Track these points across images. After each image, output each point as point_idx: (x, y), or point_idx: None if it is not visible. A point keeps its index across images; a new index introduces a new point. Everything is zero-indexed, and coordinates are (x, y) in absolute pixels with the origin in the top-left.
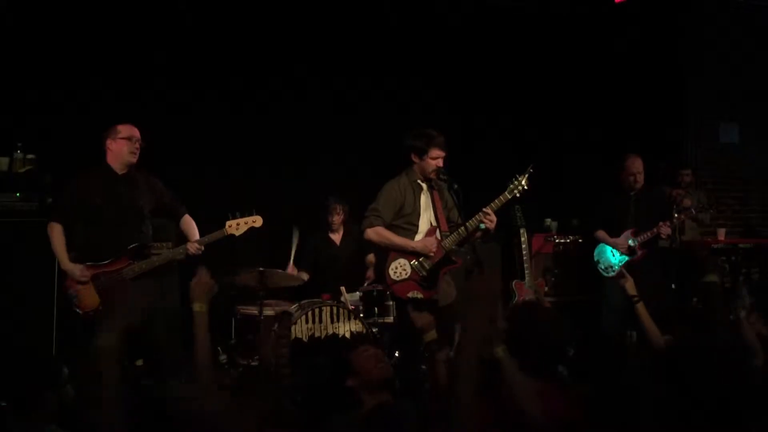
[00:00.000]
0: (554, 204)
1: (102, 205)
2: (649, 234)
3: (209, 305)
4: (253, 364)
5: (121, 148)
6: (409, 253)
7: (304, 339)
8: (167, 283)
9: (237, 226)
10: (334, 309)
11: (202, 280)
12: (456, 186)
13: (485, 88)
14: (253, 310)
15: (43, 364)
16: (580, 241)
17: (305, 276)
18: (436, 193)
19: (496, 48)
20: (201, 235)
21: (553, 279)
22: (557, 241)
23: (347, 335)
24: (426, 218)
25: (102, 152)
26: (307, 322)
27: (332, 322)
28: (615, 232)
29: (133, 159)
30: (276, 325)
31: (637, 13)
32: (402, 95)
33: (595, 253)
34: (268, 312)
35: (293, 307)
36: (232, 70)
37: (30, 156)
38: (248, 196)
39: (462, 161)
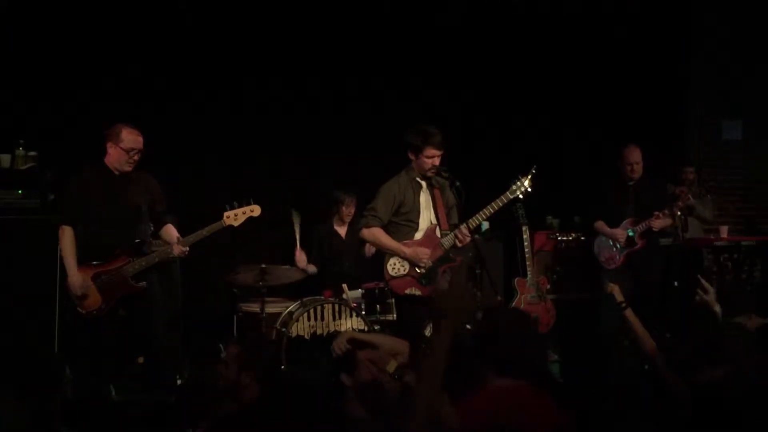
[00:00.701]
0: (556, 201)
1: (100, 204)
2: (646, 224)
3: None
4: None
5: (119, 157)
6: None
7: (306, 336)
8: (169, 283)
9: (235, 216)
10: (336, 306)
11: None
12: (458, 184)
13: (486, 86)
14: (255, 308)
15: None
16: (582, 238)
17: (313, 268)
18: (436, 191)
19: (497, 45)
20: (200, 229)
21: (554, 277)
22: (559, 238)
23: None
24: (426, 216)
25: (102, 148)
26: (309, 319)
27: (334, 319)
28: (614, 223)
29: (128, 168)
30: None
31: (639, 10)
32: (402, 90)
33: (594, 245)
34: (270, 309)
35: (295, 305)
36: (233, 66)
37: (32, 153)
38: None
39: (463, 159)
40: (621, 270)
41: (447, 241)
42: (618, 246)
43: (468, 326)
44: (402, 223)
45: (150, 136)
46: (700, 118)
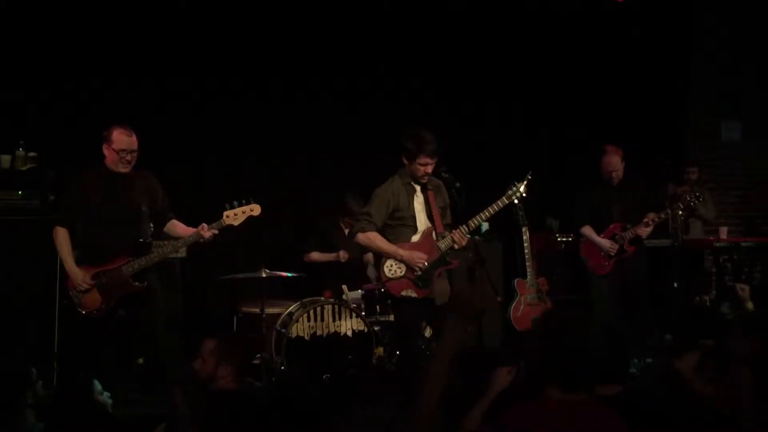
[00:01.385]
0: (556, 202)
1: (101, 204)
2: (633, 231)
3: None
4: (255, 362)
5: (113, 158)
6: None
7: (306, 337)
8: (169, 283)
9: (235, 216)
10: (336, 307)
11: None
12: (458, 184)
13: (487, 87)
14: (255, 308)
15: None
16: (582, 240)
17: (345, 254)
18: (431, 193)
19: (497, 46)
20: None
21: (554, 277)
22: (559, 239)
23: (349, 333)
24: (422, 219)
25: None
26: (309, 320)
27: (334, 320)
28: (600, 225)
29: (125, 169)
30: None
31: (639, 11)
32: (403, 90)
33: (581, 250)
34: (270, 310)
35: (295, 306)
36: (233, 66)
37: (32, 154)
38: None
39: (463, 159)
40: (610, 274)
41: (443, 244)
42: (607, 253)
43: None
44: (397, 225)
45: (150, 136)
46: (699, 119)
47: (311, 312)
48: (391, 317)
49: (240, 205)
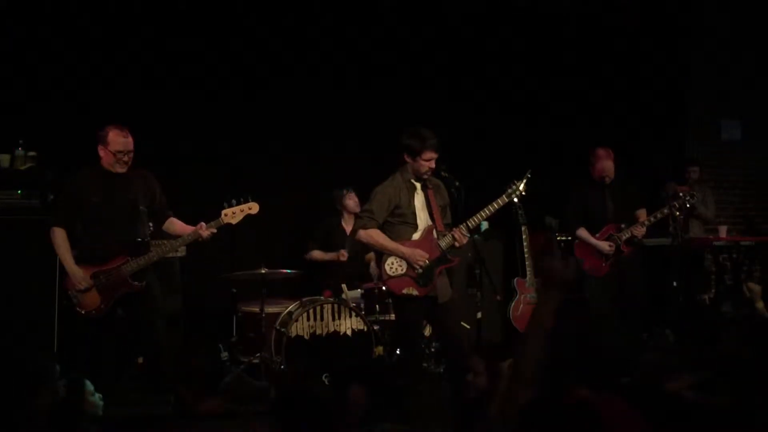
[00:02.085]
0: (556, 202)
1: (99, 204)
2: (629, 231)
3: None
4: (254, 361)
5: (109, 159)
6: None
7: (305, 337)
8: (168, 282)
9: (233, 214)
10: (336, 306)
11: None
12: (457, 184)
13: (487, 86)
14: (255, 308)
15: (35, 362)
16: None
17: (345, 254)
18: (430, 192)
19: (498, 46)
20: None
21: None
22: (559, 238)
23: (349, 333)
24: (423, 217)
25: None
26: (308, 319)
27: (334, 319)
28: (594, 225)
29: (122, 170)
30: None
31: (639, 10)
32: (403, 90)
33: (576, 251)
34: (270, 309)
35: (294, 305)
36: (233, 65)
37: (31, 153)
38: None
39: (463, 158)
40: (605, 277)
41: (444, 242)
42: (603, 254)
43: (466, 325)
44: (398, 223)
45: (150, 136)
46: (699, 118)
47: (311, 311)
48: (391, 316)
49: (238, 203)
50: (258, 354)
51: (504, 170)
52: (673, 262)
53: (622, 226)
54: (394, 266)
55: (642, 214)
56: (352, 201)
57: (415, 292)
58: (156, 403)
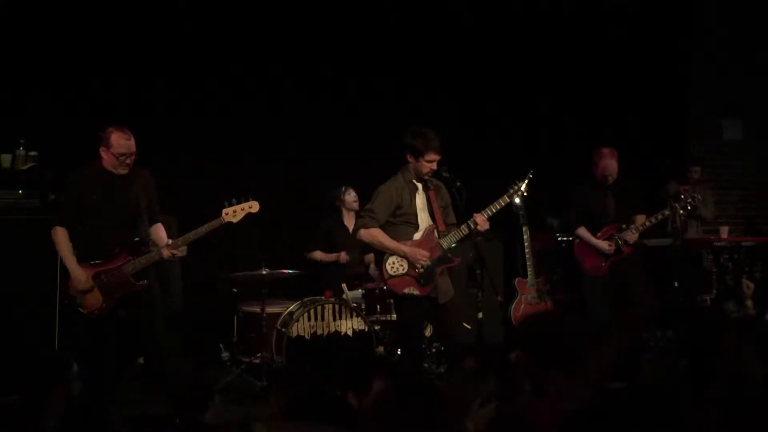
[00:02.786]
0: (557, 202)
1: (100, 203)
2: (626, 234)
3: None
4: (255, 361)
5: (111, 161)
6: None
7: (306, 337)
8: (169, 282)
9: (234, 213)
10: (337, 306)
11: None
12: (458, 184)
13: (487, 85)
14: (256, 308)
15: (52, 361)
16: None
17: (345, 256)
18: (432, 192)
19: (498, 46)
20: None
21: (555, 277)
22: (560, 239)
23: (349, 333)
24: (424, 218)
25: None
26: (309, 319)
27: (334, 319)
28: (595, 227)
29: (123, 171)
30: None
31: (640, 9)
32: (404, 89)
33: (575, 249)
34: (270, 309)
35: (295, 305)
36: (233, 65)
37: (32, 153)
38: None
39: (464, 159)
40: (604, 276)
41: (446, 241)
42: (603, 254)
43: (467, 326)
44: (399, 223)
45: (151, 135)
46: (700, 118)
47: (312, 311)
48: (392, 316)
49: (238, 202)
50: (259, 354)
51: (505, 170)
52: (673, 262)
53: (623, 226)
54: (395, 266)
55: (640, 218)
56: (350, 197)
57: (416, 292)
58: (156, 403)
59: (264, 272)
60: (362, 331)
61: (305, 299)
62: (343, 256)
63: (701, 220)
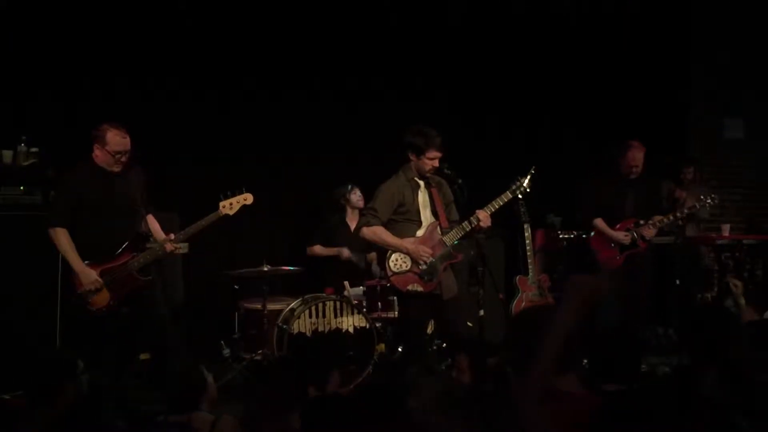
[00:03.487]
0: (558, 199)
1: (100, 201)
2: (646, 230)
3: None
4: (256, 358)
5: (106, 159)
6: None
7: (307, 333)
8: (170, 279)
9: (230, 205)
10: (338, 303)
11: None
12: (460, 181)
13: (489, 82)
14: (257, 305)
15: (58, 356)
16: (584, 236)
17: (346, 252)
18: (434, 190)
19: (499, 45)
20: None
21: (556, 275)
22: (561, 236)
23: (350, 330)
24: (426, 215)
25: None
26: (310, 316)
27: (336, 316)
28: (612, 219)
29: (117, 169)
30: None
31: (642, 6)
32: (404, 88)
33: (591, 242)
34: (272, 306)
35: (297, 302)
36: (234, 62)
37: (34, 149)
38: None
39: (465, 157)
40: (618, 269)
41: (449, 238)
42: (618, 246)
43: (468, 323)
44: (402, 221)
45: (152, 132)
46: (701, 117)
47: (313, 308)
48: (393, 314)
49: (233, 194)
50: (260, 351)
51: (505, 169)
52: (674, 260)
53: (641, 222)
54: (398, 263)
55: (657, 216)
56: (355, 196)
57: (419, 289)
58: (157, 400)
59: (265, 269)
60: (363, 328)
61: (306, 296)
62: (345, 253)
63: (698, 219)
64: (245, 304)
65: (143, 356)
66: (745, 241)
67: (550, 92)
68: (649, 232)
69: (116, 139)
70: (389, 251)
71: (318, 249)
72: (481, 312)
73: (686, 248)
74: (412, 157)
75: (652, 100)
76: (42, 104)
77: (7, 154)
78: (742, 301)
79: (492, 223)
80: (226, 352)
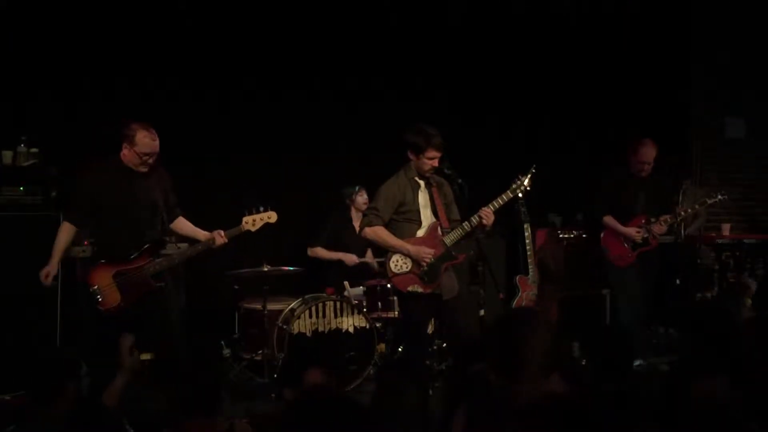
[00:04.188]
0: (558, 199)
1: (123, 204)
2: (656, 227)
3: None
4: (256, 358)
5: (133, 159)
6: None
7: (308, 333)
8: (179, 281)
9: (253, 222)
10: (338, 303)
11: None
12: (460, 181)
13: (489, 82)
14: (257, 305)
15: (59, 357)
16: (584, 236)
17: (353, 259)
18: (434, 189)
19: (499, 44)
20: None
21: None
22: (561, 236)
23: (351, 330)
24: (426, 215)
25: (118, 144)
26: (310, 316)
27: (336, 316)
28: (623, 217)
29: (144, 170)
30: None
31: (642, 6)
32: (404, 88)
33: (602, 239)
34: (272, 306)
35: (297, 302)
36: (239, 64)
37: (34, 149)
38: (249, 186)
39: (465, 156)
40: (630, 267)
41: (449, 239)
42: (630, 243)
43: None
44: (402, 221)
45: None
46: (702, 116)
47: (313, 308)
48: (394, 314)
49: (257, 211)
50: (260, 351)
51: (505, 169)
52: (675, 259)
53: (652, 219)
54: (399, 263)
55: (668, 217)
56: (362, 198)
57: (420, 290)
58: (158, 399)
59: (265, 269)
60: (363, 328)
61: (307, 296)
62: (353, 259)
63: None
64: (245, 304)
65: (144, 356)
66: (745, 240)
67: (550, 92)
68: (660, 229)
69: (145, 141)
70: (390, 252)
71: (321, 251)
72: (482, 312)
73: (686, 247)
74: (412, 156)
75: (652, 99)
76: (42, 104)
77: (7, 155)
78: (749, 301)
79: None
80: (226, 352)
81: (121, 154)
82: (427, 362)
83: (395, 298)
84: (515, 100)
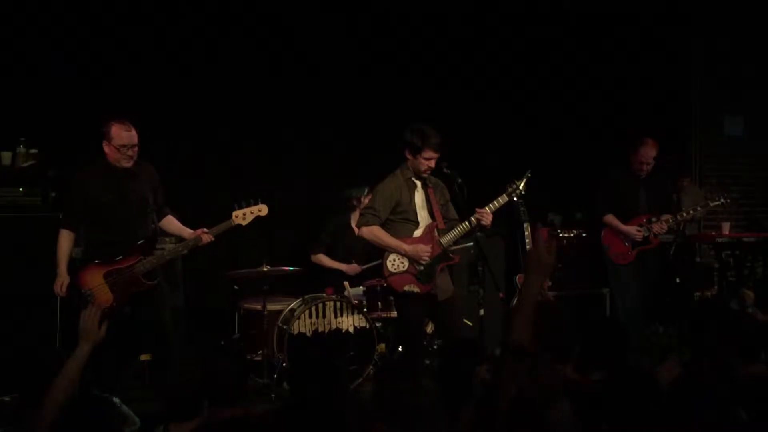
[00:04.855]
0: (557, 198)
1: (112, 203)
2: (657, 226)
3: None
4: (256, 358)
5: (114, 154)
6: (401, 254)
7: (307, 334)
8: (170, 279)
9: (243, 216)
10: (338, 303)
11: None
12: (459, 181)
13: (489, 81)
14: (257, 305)
15: (49, 357)
16: (584, 235)
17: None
18: (430, 190)
19: (499, 44)
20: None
21: (556, 273)
22: (561, 235)
23: (351, 330)
24: (423, 215)
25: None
26: (310, 316)
27: (336, 316)
28: (624, 216)
29: (128, 164)
30: None
31: (643, 6)
32: (404, 87)
33: (603, 237)
34: (272, 306)
35: (297, 302)
36: (239, 63)
37: (33, 150)
38: (250, 186)
39: (465, 156)
40: (630, 265)
41: (445, 239)
42: (631, 242)
43: (468, 322)
44: (399, 221)
45: (152, 132)
46: (701, 115)
47: (313, 308)
48: (393, 314)
49: (248, 205)
50: (260, 351)
51: (505, 169)
52: (674, 258)
53: (653, 218)
54: (395, 263)
55: (669, 216)
56: (367, 200)
57: (416, 290)
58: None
59: (265, 269)
60: (363, 328)
61: (306, 296)
62: (353, 269)
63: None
64: (245, 305)
65: (143, 357)
66: (745, 239)
67: (550, 91)
68: (661, 228)
69: (121, 133)
70: (387, 252)
71: (324, 259)
72: (482, 311)
73: (686, 246)
74: (409, 156)
75: (652, 99)
76: (41, 105)
77: (6, 156)
78: (752, 310)
79: (492, 222)
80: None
81: (105, 153)
82: (427, 362)
83: (393, 297)
84: (515, 100)
